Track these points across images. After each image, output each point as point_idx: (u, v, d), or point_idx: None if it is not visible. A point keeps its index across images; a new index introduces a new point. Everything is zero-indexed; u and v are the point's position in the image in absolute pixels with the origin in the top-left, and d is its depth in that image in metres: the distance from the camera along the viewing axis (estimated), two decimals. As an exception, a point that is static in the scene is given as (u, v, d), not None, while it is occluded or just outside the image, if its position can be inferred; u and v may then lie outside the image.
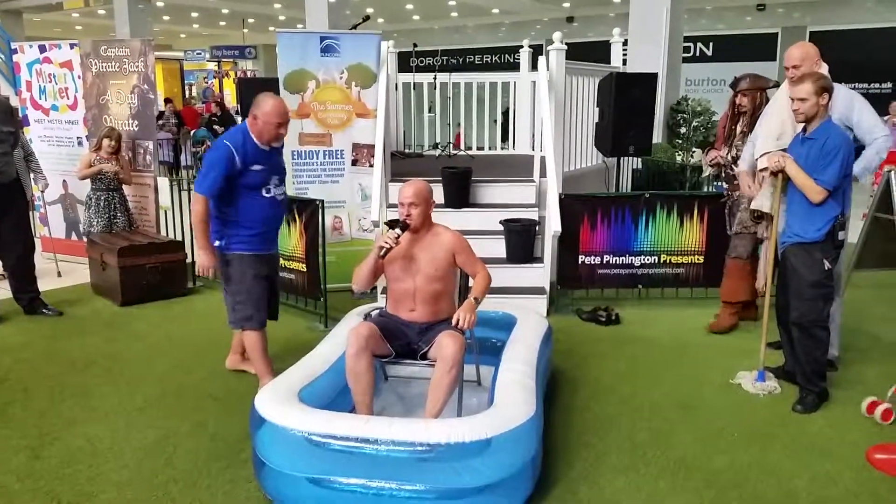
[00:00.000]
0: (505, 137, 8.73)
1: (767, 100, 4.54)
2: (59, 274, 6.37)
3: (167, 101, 14.80)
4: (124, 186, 6.24)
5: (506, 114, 8.93)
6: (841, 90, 3.76)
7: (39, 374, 4.13)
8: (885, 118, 7.94)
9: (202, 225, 3.61)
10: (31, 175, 5.69)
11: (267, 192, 3.69)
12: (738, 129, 4.66)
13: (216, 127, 13.39)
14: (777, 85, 4.71)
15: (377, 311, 3.51)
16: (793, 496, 2.85)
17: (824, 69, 3.81)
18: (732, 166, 4.69)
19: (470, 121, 7.99)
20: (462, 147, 8.07)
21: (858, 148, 3.89)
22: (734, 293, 4.78)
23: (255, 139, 3.62)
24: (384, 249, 3.18)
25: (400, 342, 3.28)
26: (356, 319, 3.66)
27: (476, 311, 3.19)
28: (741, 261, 4.69)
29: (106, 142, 6.01)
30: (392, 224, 3.32)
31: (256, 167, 3.61)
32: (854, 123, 3.78)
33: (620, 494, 2.87)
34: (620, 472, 3.03)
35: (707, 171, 4.93)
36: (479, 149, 8.07)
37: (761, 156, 3.91)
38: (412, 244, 3.29)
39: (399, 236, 3.21)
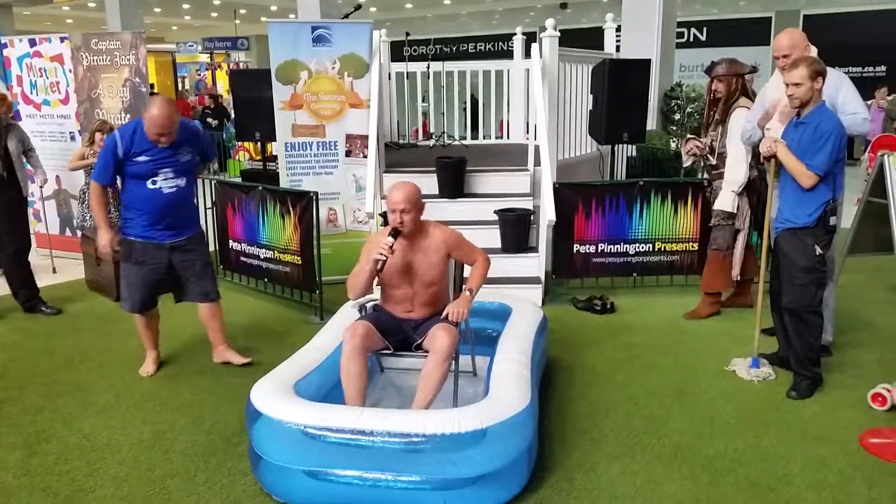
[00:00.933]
0: (475, 126, 8.62)
1: (744, 86, 4.51)
2: (53, 270, 6.36)
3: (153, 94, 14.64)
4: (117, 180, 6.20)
5: (475, 101, 8.82)
6: (830, 72, 3.75)
7: (35, 371, 4.13)
8: (870, 102, 7.91)
9: (98, 207, 3.92)
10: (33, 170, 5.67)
11: (152, 184, 3.82)
12: (716, 116, 4.61)
13: (210, 120, 13.30)
14: (754, 70, 4.68)
15: (373, 304, 3.50)
16: (787, 481, 2.87)
17: (813, 52, 3.80)
18: (709, 156, 4.69)
19: (464, 110, 7.97)
20: (419, 137, 7.99)
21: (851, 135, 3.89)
22: (711, 284, 4.84)
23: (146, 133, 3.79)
24: (381, 262, 3.10)
25: (396, 337, 3.28)
26: (351, 312, 3.66)
27: (470, 303, 3.19)
28: (721, 252, 4.72)
29: (98, 136, 5.96)
30: (386, 216, 3.30)
31: (142, 158, 3.78)
32: (838, 105, 3.77)
33: (616, 481, 2.89)
34: (616, 459, 3.05)
35: (688, 162, 4.90)
36: (473, 138, 8.05)
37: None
38: (407, 251, 3.23)
39: (393, 245, 3.13)
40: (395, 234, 3.16)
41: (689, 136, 5.04)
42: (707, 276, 4.85)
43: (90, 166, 5.96)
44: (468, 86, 8.08)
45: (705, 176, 5.00)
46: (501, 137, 7.49)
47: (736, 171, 4.48)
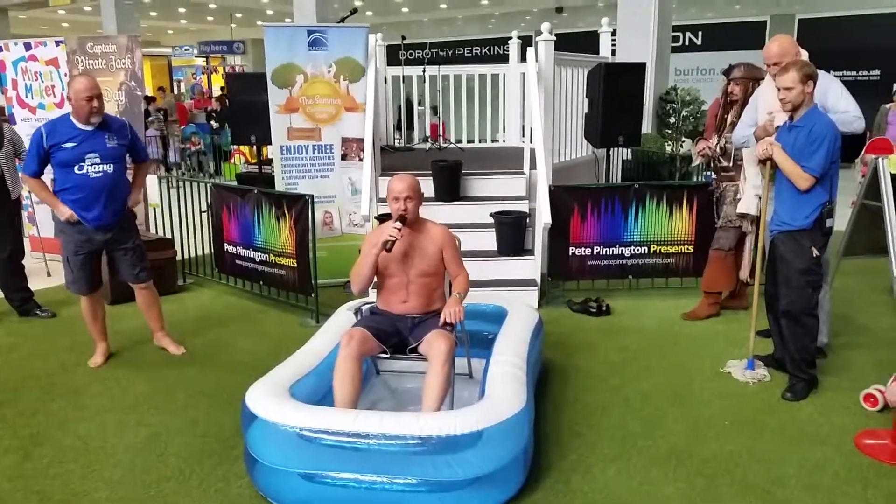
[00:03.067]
0: (410, 126, 8.54)
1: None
2: (48, 273, 6.34)
3: (149, 99, 14.55)
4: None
5: (409, 103, 8.68)
6: (820, 76, 3.76)
7: (29, 374, 4.12)
8: (888, 106, 7.89)
9: (42, 193, 4.10)
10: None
11: (80, 169, 3.97)
12: (729, 118, 4.66)
13: (213, 123, 13.29)
14: None
15: (368, 307, 3.50)
16: (782, 482, 2.88)
17: (804, 57, 3.82)
18: (720, 158, 4.70)
19: (460, 113, 7.97)
20: (430, 140, 7.98)
21: (846, 137, 3.90)
22: (712, 284, 4.84)
23: (73, 120, 4.00)
24: (390, 243, 3.16)
25: (392, 340, 3.29)
26: (347, 315, 3.66)
27: (463, 305, 3.21)
28: (723, 252, 4.72)
29: None
30: (382, 219, 3.32)
31: (69, 144, 3.95)
32: (828, 106, 3.78)
33: (612, 483, 2.89)
34: (612, 461, 3.05)
35: (697, 161, 4.93)
36: (469, 141, 8.06)
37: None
38: (406, 239, 3.29)
39: (401, 228, 3.21)
40: (403, 220, 3.22)
41: (697, 138, 5.05)
42: (708, 276, 4.85)
43: None
44: (402, 88, 7.95)
45: (713, 177, 5.00)
46: (436, 141, 7.49)
47: (758, 173, 4.47)
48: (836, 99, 3.79)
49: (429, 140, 7.68)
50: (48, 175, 4.09)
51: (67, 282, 4.22)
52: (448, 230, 3.41)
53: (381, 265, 3.30)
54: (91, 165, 3.99)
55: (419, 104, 8.22)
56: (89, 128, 4.00)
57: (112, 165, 4.07)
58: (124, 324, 4.99)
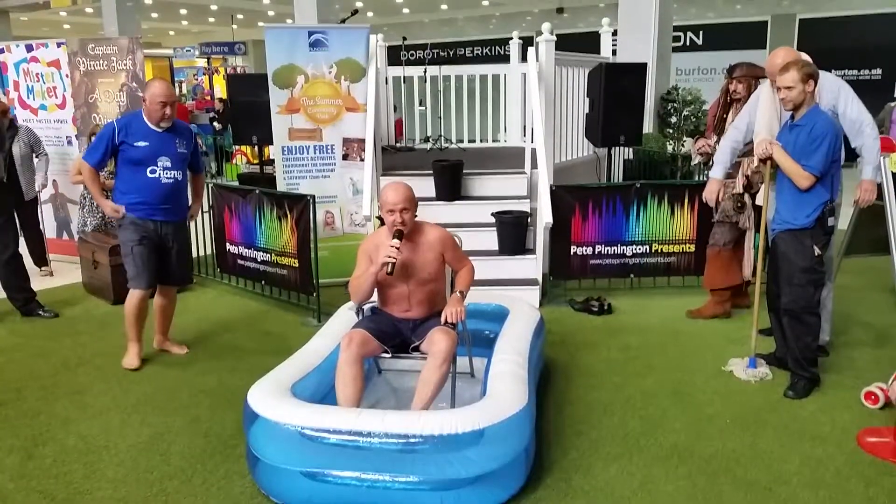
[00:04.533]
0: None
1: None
2: (51, 273, 6.35)
3: None
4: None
5: (396, 108, 8.54)
6: (828, 79, 3.77)
7: (32, 374, 4.13)
8: (893, 104, 7.85)
9: (93, 184, 4.10)
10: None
11: (152, 172, 4.01)
12: (729, 117, 4.67)
13: (215, 124, 13.31)
14: None
15: (370, 306, 3.50)
16: (784, 480, 2.88)
17: (804, 58, 3.82)
18: None
19: (461, 113, 7.98)
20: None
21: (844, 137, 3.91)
22: (712, 280, 4.83)
23: (145, 120, 4.03)
24: (390, 265, 3.07)
25: (394, 341, 3.28)
26: (349, 315, 3.66)
27: (464, 303, 3.20)
28: (717, 248, 4.72)
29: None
30: (383, 219, 3.30)
31: (140, 143, 3.98)
32: (840, 113, 3.79)
33: (614, 482, 2.89)
34: (613, 460, 3.05)
35: (696, 160, 4.94)
36: (470, 141, 8.06)
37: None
38: (402, 249, 3.20)
39: (399, 246, 3.12)
40: (400, 235, 3.14)
41: (697, 136, 5.07)
42: (708, 273, 4.86)
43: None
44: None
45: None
46: (400, 140, 7.46)
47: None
48: (846, 106, 3.81)
49: (430, 140, 7.68)
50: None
51: (129, 277, 4.12)
52: (445, 231, 3.35)
53: (381, 278, 3.23)
54: (163, 170, 4.02)
55: (420, 104, 8.22)
56: (161, 129, 4.03)
57: (181, 172, 4.12)
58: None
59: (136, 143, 3.97)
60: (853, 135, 3.80)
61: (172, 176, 4.07)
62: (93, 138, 5.98)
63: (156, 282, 4.20)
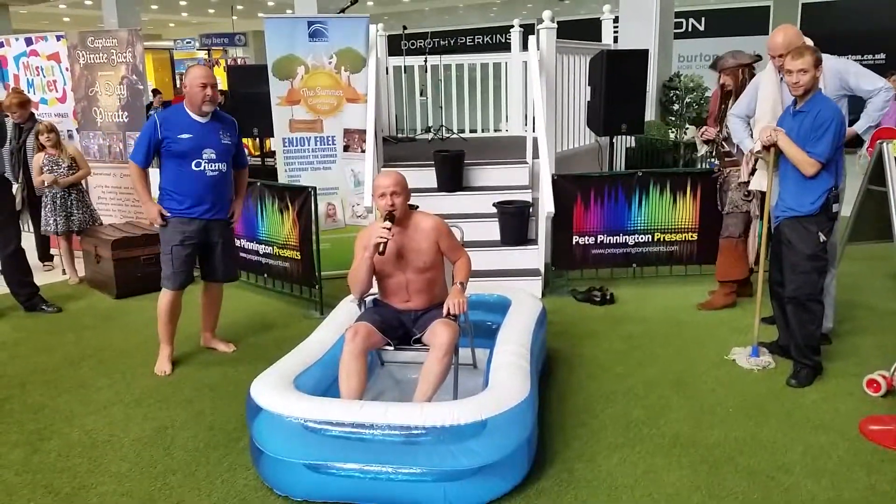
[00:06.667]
0: None
1: (752, 75, 4.51)
2: (53, 268, 6.36)
3: (155, 92, 14.64)
4: (86, 182, 6.05)
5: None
6: (830, 61, 3.74)
7: (36, 368, 4.14)
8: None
9: (139, 185, 3.97)
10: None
11: (196, 166, 3.89)
12: (728, 108, 4.63)
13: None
14: (758, 58, 4.68)
15: (372, 298, 3.50)
16: (787, 469, 2.88)
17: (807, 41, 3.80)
18: (724, 143, 4.68)
19: (462, 103, 7.95)
20: None
21: (851, 120, 3.88)
22: (726, 273, 4.79)
23: (187, 110, 3.90)
24: (382, 245, 3.09)
25: (396, 332, 3.29)
26: (351, 307, 3.66)
27: (465, 296, 3.20)
28: (733, 240, 4.69)
29: (43, 138, 5.65)
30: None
31: (184, 136, 3.85)
32: (853, 87, 3.76)
33: (616, 471, 2.89)
34: (616, 450, 3.05)
35: (702, 150, 4.91)
36: (471, 131, 8.04)
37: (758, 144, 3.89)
38: (397, 238, 3.22)
39: (391, 228, 3.14)
40: (391, 218, 3.16)
41: (702, 126, 5.03)
42: (722, 265, 4.79)
43: (54, 180, 5.63)
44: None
45: (716, 163, 4.97)
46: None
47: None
48: (857, 77, 3.78)
49: (431, 130, 7.66)
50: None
51: (164, 277, 4.03)
52: (439, 219, 3.34)
53: (378, 267, 3.25)
54: (208, 163, 3.89)
55: (421, 94, 8.19)
56: (203, 119, 3.90)
57: (225, 164, 3.99)
58: (129, 318, 5.01)
59: (178, 136, 3.84)
60: (869, 94, 3.79)
61: (217, 168, 3.93)
62: (40, 138, 5.71)
63: (189, 282, 4.08)
